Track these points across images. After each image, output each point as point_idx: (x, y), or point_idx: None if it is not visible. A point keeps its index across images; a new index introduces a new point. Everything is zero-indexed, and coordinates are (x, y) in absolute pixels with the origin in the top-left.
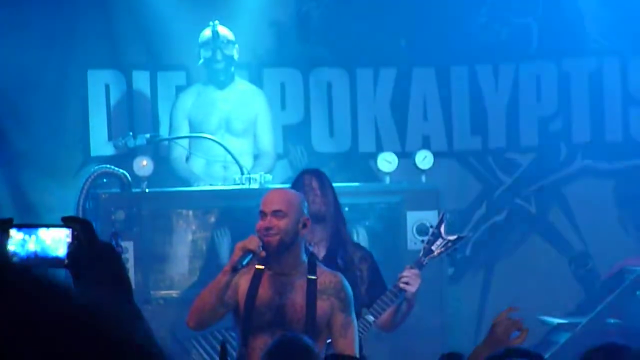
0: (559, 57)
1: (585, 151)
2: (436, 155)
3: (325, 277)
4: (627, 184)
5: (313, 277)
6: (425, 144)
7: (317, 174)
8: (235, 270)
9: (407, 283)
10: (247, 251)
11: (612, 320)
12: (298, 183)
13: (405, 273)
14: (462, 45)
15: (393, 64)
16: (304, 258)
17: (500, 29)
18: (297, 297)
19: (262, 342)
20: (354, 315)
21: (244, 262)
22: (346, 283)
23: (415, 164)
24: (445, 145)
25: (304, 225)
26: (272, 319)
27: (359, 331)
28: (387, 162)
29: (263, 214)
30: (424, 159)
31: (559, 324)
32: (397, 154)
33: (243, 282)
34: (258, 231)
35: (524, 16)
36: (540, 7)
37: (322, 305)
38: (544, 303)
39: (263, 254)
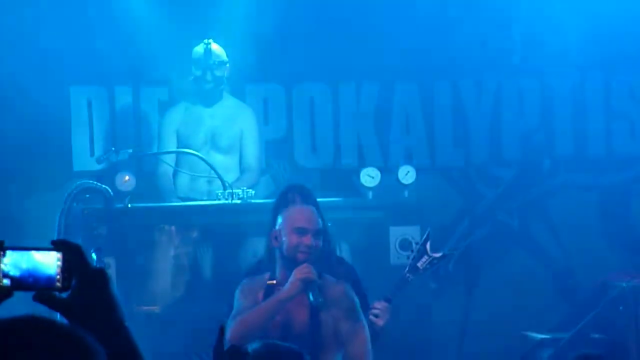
0: (542, 71)
1: (568, 165)
2: (419, 170)
3: (327, 287)
4: (611, 198)
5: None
6: (408, 159)
7: (302, 189)
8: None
9: (376, 316)
10: (309, 282)
11: (595, 335)
12: (282, 198)
13: (376, 305)
14: (444, 59)
15: (375, 79)
16: None
17: (483, 43)
18: (301, 312)
19: None
20: (362, 320)
21: (312, 296)
22: (349, 290)
23: (397, 179)
24: (427, 160)
25: None
26: (279, 334)
27: None
28: (369, 177)
29: (303, 231)
30: (406, 174)
31: (542, 339)
32: (379, 168)
33: (260, 297)
34: (296, 246)
35: (506, 30)
36: (522, 22)
37: (326, 318)
38: (527, 318)
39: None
